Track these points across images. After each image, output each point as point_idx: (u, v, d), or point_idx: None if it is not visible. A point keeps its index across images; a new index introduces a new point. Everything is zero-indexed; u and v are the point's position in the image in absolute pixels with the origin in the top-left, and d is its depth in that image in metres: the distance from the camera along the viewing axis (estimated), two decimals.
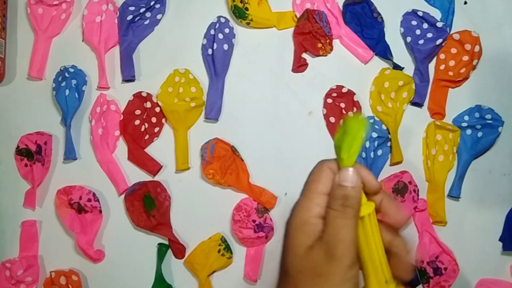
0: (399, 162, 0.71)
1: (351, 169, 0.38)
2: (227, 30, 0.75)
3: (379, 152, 0.71)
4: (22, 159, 0.75)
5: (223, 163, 0.72)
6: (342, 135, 0.39)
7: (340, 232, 0.37)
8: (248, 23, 0.75)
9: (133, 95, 0.75)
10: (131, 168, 0.74)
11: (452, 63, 0.72)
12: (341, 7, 0.75)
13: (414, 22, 0.73)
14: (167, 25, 0.78)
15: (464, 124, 0.71)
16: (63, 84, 0.75)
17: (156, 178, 0.74)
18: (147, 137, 0.74)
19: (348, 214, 0.38)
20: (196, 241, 0.72)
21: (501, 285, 0.69)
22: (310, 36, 0.74)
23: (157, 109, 0.74)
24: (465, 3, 0.75)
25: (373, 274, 0.39)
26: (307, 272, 0.37)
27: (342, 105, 0.72)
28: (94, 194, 0.73)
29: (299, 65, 0.74)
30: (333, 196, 0.38)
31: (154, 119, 0.74)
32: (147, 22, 0.77)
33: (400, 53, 0.74)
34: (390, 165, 0.72)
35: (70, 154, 0.74)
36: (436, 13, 0.74)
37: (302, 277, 0.37)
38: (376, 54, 0.74)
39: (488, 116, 0.70)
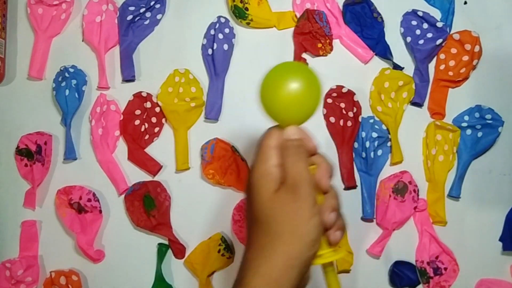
0: (399, 162, 0.71)
1: (294, 126, 0.46)
2: (227, 30, 0.75)
3: (379, 152, 0.71)
4: (22, 159, 0.75)
5: (223, 163, 0.72)
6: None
7: (302, 174, 0.43)
8: (248, 23, 0.75)
9: (133, 95, 0.75)
10: (131, 168, 0.74)
11: (452, 63, 0.72)
12: (341, 7, 0.75)
13: (414, 22, 0.73)
14: (167, 25, 0.78)
15: (464, 124, 0.71)
16: (63, 84, 0.75)
17: (156, 178, 0.74)
18: (147, 137, 0.74)
19: (303, 157, 0.44)
20: (196, 241, 0.72)
21: (501, 285, 0.69)
22: (310, 36, 0.74)
23: (157, 109, 0.74)
24: (465, 3, 0.75)
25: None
26: (277, 212, 0.42)
27: (342, 105, 0.72)
28: (94, 194, 0.73)
29: None
30: (287, 147, 0.44)
31: (154, 119, 0.74)
32: (147, 22, 0.77)
33: (400, 53, 0.74)
34: (390, 165, 0.72)
35: (70, 154, 0.74)
36: (436, 13, 0.74)
37: (274, 218, 0.42)
38: (376, 54, 0.74)
39: (488, 116, 0.70)
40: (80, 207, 0.72)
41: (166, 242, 0.72)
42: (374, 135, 0.70)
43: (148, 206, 0.71)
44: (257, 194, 0.43)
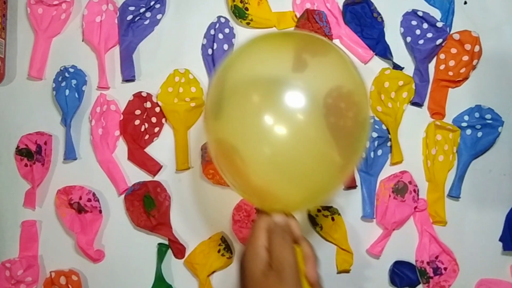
0: (399, 162, 0.71)
1: (281, 214, 0.50)
2: (227, 30, 0.75)
3: (379, 152, 0.71)
4: (22, 159, 0.75)
5: None
6: None
7: (285, 258, 0.46)
8: (248, 23, 0.75)
9: (133, 95, 0.75)
10: (131, 168, 0.74)
11: (452, 63, 0.72)
12: (341, 7, 0.75)
13: (414, 22, 0.73)
14: (167, 25, 0.78)
15: (464, 124, 0.71)
16: (63, 84, 0.75)
17: (156, 178, 0.74)
18: (147, 137, 0.75)
19: (287, 241, 0.48)
20: (196, 241, 0.72)
21: (501, 285, 0.69)
22: None
23: (157, 109, 0.74)
24: (465, 3, 0.75)
25: None
26: None
27: (342, 105, 0.72)
28: (94, 194, 0.73)
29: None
30: (273, 231, 0.48)
31: (154, 119, 0.74)
32: (147, 22, 0.77)
33: (400, 53, 0.74)
34: (390, 165, 0.72)
35: (70, 154, 0.74)
36: (436, 13, 0.74)
37: None
38: (376, 54, 0.74)
39: (488, 116, 0.70)
40: (80, 207, 0.72)
41: (166, 242, 0.72)
42: (374, 135, 0.70)
43: (148, 206, 0.71)
44: (248, 275, 0.48)
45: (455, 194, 0.70)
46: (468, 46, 0.71)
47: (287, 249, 0.47)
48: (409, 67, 0.73)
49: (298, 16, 0.75)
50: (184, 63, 0.76)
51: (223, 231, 0.72)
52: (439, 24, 0.72)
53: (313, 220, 0.70)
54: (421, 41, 0.72)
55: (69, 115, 0.75)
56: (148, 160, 0.74)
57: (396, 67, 0.73)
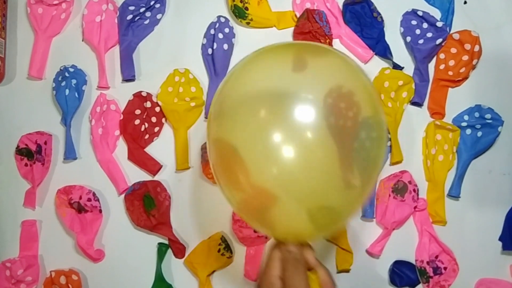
0: (399, 162, 0.71)
1: (295, 244, 0.51)
2: (227, 30, 0.75)
3: None
4: (22, 159, 0.75)
5: None
6: None
7: (296, 286, 0.48)
8: (248, 23, 0.75)
9: (133, 94, 0.75)
10: (131, 167, 0.74)
11: (452, 62, 0.72)
12: (341, 7, 0.75)
13: (414, 22, 0.73)
14: (167, 25, 0.78)
15: (464, 124, 0.71)
16: (63, 83, 0.75)
17: (156, 177, 0.74)
18: (147, 136, 0.75)
19: (299, 269, 0.49)
20: (196, 240, 0.72)
21: (500, 285, 0.69)
22: (310, 36, 0.74)
23: (157, 109, 0.74)
24: (465, 2, 0.75)
25: None
26: None
27: (342, 105, 0.72)
28: (94, 194, 0.73)
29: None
30: (286, 260, 0.50)
31: (154, 119, 0.74)
32: (147, 21, 0.77)
33: (400, 53, 0.74)
34: (390, 165, 0.72)
35: (70, 154, 0.74)
36: (436, 13, 0.74)
37: None
38: (376, 54, 0.74)
39: (488, 116, 0.70)
40: (80, 206, 0.72)
41: (166, 242, 0.72)
42: None
43: (148, 205, 0.71)
44: None
45: (455, 193, 0.70)
46: (468, 46, 0.71)
47: (299, 277, 0.48)
48: (409, 67, 0.73)
49: (298, 15, 0.75)
50: (184, 63, 0.76)
51: (223, 230, 0.72)
52: (439, 24, 0.72)
53: None
54: (421, 41, 0.72)
55: (69, 115, 0.75)
56: (148, 160, 0.74)
57: (396, 66, 0.73)
